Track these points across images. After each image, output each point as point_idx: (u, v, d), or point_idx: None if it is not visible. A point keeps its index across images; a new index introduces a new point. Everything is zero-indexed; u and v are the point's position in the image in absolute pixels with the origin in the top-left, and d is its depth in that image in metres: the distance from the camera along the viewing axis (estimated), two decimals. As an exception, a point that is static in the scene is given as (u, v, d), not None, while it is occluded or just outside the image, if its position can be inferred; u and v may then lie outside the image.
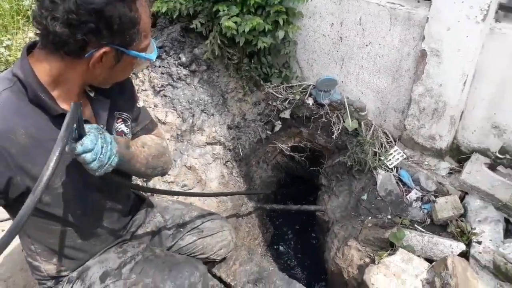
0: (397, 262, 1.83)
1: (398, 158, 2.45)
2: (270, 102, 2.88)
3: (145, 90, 2.74)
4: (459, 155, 2.41)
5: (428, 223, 2.12)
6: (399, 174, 2.40)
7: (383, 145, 2.55)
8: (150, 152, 1.37)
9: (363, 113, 2.62)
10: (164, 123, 2.61)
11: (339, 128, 2.67)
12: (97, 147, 1.01)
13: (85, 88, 1.26)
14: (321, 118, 2.76)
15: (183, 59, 2.74)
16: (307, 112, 2.83)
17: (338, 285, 2.23)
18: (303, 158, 3.00)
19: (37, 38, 1.08)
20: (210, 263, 2.07)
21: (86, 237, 1.49)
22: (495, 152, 2.12)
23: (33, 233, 1.42)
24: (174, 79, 2.71)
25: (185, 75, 2.72)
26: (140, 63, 1.20)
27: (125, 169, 1.24)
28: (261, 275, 2.03)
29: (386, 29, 2.37)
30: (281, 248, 3.02)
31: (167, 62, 2.76)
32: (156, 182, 2.44)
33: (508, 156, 2.05)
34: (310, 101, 2.87)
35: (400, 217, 2.15)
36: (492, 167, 2.16)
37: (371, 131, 2.60)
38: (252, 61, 2.90)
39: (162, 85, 2.70)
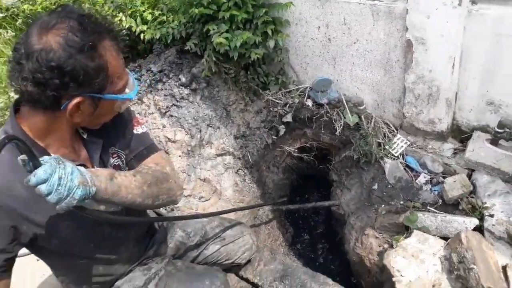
0: (413, 243, 1.91)
1: (402, 146, 2.53)
2: (271, 109, 2.98)
3: (152, 113, 2.86)
4: (460, 135, 2.49)
5: (440, 203, 2.20)
6: (405, 161, 2.48)
7: (386, 135, 2.64)
8: (144, 180, 1.24)
9: (361, 107, 2.72)
10: (174, 142, 2.71)
11: (341, 125, 2.76)
12: (53, 178, 0.92)
13: (77, 130, 1.29)
14: (322, 117, 2.86)
15: (183, 79, 2.85)
16: (308, 113, 2.92)
17: (361, 274, 2.31)
18: (311, 158, 3.09)
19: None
20: (236, 267, 2.16)
21: (106, 264, 1.54)
22: (494, 128, 2.20)
23: (57, 269, 1.50)
24: (177, 99, 2.83)
25: (187, 94, 2.83)
26: (121, 103, 1.23)
27: (115, 202, 1.13)
28: (286, 272, 2.11)
29: (370, 25, 2.47)
30: (302, 246, 3.09)
31: (169, 85, 2.88)
32: (174, 199, 2.53)
33: (507, 130, 2.13)
34: (309, 103, 2.97)
35: (412, 201, 2.23)
36: (494, 142, 2.24)
37: (372, 123, 2.69)
38: (249, 72, 3.01)
39: (167, 106, 2.81)
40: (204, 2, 2.57)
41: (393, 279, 1.81)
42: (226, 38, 2.57)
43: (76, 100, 1.05)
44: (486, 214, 1.95)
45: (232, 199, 2.56)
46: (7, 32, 3.82)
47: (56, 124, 1.13)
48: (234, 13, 2.57)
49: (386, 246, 2.10)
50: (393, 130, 2.69)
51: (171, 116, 2.77)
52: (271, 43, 2.76)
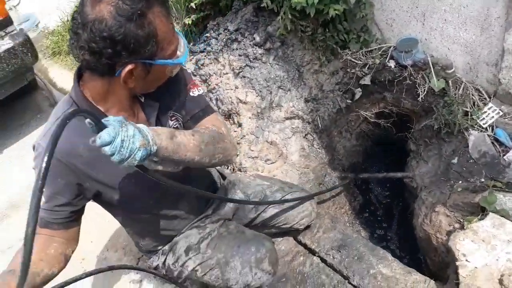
0: (486, 227, 1.71)
1: (493, 116, 2.22)
2: (348, 70, 2.81)
3: (226, 73, 2.90)
4: None
5: (529, 185, 1.92)
6: (494, 134, 2.18)
7: (476, 103, 2.33)
8: (202, 139, 1.29)
9: (450, 71, 2.42)
10: (245, 103, 2.74)
11: (425, 89, 2.50)
12: (116, 140, 0.96)
13: (136, 95, 1.37)
14: (405, 81, 2.61)
15: (257, 39, 2.81)
16: (389, 75, 2.70)
17: (427, 252, 2.16)
18: (389, 124, 2.88)
19: None
20: (294, 231, 2.18)
21: (167, 220, 1.67)
22: None
23: (121, 221, 1.66)
24: (251, 59, 2.81)
25: (260, 54, 2.79)
26: (172, 68, 1.27)
27: (175, 160, 1.19)
28: (345, 242, 2.07)
29: (469, -26, 2.14)
30: (369, 216, 2.98)
31: (243, 44, 2.86)
32: (242, 157, 2.60)
33: None
34: (391, 64, 2.72)
35: (495, 180, 1.98)
36: None
37: (460, 90, 2.38)
38: (327, 29, 2.84)
39: (240, 67, 2.82)
40: (282, -45, 2.45)
41: (457, 263, 1.66)
42: (304, -5, 2.44)
43: (128, 67, 1.11)
44: None
45: (297, 163, 2.53)
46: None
47: (113, 89, 1.22)
48: (314, -35, 2.41)
49: (457, 226, 1.92)
50: (485, 98, 2.35)
51: (244, 77, 2.77)
52: (352, -2, 2.55)
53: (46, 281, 1.26)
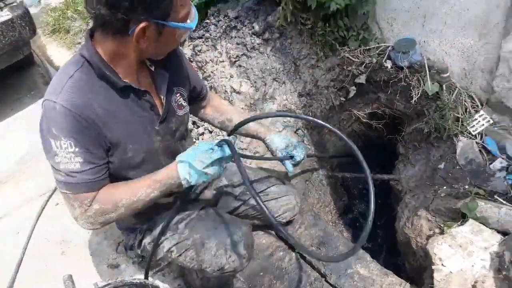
0: (465, 233, 1.71)
1: (483, 124, 2.21)
2: (345, 67, 2.79)
3: (222, 61, 2.87)
4: (559, 119, 2.09)
5: (511, 194, 1.92)
6: (483, 142, 2.17)
7: (467, 109, 2.32)
8: None
9: (445, 75, 2.40)
10: (238, 93, 2.72)
11: (418, 92, 2.49)
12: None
13: (145, 63, 1.41)
14: (400, 82, 2.60)
15: (257, 28, 2.78)
16: (384, 76, 2.68)
17: (407, 255, 2.17)
18: (381, 126, 2.87)
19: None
20: (276, 225, 2.16)
21: None
22: None
23: None
24: (248, 48, 2.79)
25: (258, 44, 2.77)
26: (182, 32, 1.28)
27: None
28: (325, 240, 2.07)
29: (472, -22, 2.11)
30: (353, 216, 2.98)
31: (242, 32, 2.84)
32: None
33: None
34: (388, 64, 2.71)
35: (479, 187, 1.98)
36: None
37: (454, 95, 2.37)
38: (328, 24, 2.81)
39: (237, 56, 2.80)
40: None
41: (433, 267, 1.67)
42: (306, -13, 2.41)
43: (142, 25, 1.12)
44: None
45: (286, 158, 2.52)
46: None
47: (124, 50, 1.23)
48: (318, -44, 2.38)
49: (437, 231, 1.92)
50: (477, 106, 2.34)
51: (240, 66, 2.75)
52: (355, -8, 2.52)
53: None
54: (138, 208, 1.35)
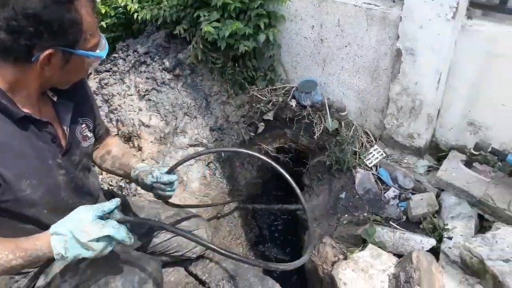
0: (366, 257, 1.83)
1: (377, 157, 2.45)
2: (254, 105, 2.92)
3: (131, 94, 2.81)
4: (438, 152, 2.40)
5: (404, 220, 2.12)
6: (378, 173, 2.40)
7: (364, 144, 2.56)
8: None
9: (343, 113, 2.64)
10: (147, 126, 2.66)
11: (320, 129, 2.69)
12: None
13: (46, 93, 1.31)
14: (304, 119, 2.79)
15: (167, 64, 2.80)
16: (290, 113, 2.85)
17: (314, 283, 2.23)
18: (287, 159, 3.01)
19: None
20: (187, 261, 2.09)
21: None
22: (471, 149, 2.11)
23: (3, 231, 1.46)
24: (159, 83, 2.77)
25: (169, 79, 2.78)
26: (91, 61, 1.23)
27: None
28: (236, 272, 2.04)
29: (363, 30, 2.40)
30: (264, 247, 3.02)
31: (152, 67, 2.82)
32: (140, 184, 2.48)
33: (482, 153, 2.05)
34: (293, 103, 2.90)
35: (376, 214, 2.15)
36: (468, 164, 2.15)
37: (351, 131, 2.61)
38: (237, 64, 2.94)
39: (146, 90, 2.76)
40: (197, -14, 2.52)
41: (338, 291, 1.74)
42: (216, 28, 2.51)
43: (48, 51, 1.04)
44: (445, 236, 1.86)
45: (197, 192, 2.50)
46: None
47: (25, 78, 1.12)
48: (227, 1, 2.51)
49: (341, 257, 2.02)
50: (372, 141, 2.61)
51: (149, 100, 2.72)
52: (262, 37, 2.69)
53: None
54: None
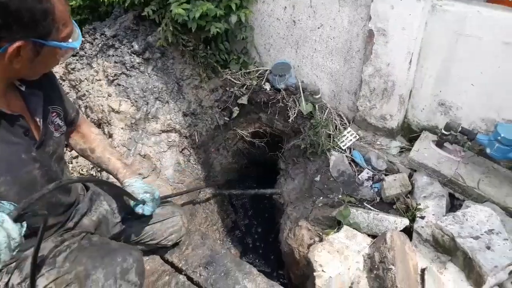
0: (341, 239, 1.85)
1: (351, 139, 2.46)
2: (227, 89, 2.86)
3: (99, 79, 2.71)
4: (410, 133, 2.44)
5: (377, 201, 2.15)
6: (351, 155, 2.41)
7: (337, 127, 2.57)
8: None
9: (317, 96, 2.63)
10: (117, 112, 2.57)
11: (295, 112, 2.67)
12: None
13: (14, 83, 1.24)
14: (278, 103, 2.76)
15: (136, 47, 2.70)
16: (264, 97, 2.82)
17: (290, 266, 2.25)
18: (263, 144, 3.00)
19: None
20: (162, 249, 2.07)
21: (29, 231, 1.46)
22: (442, 129, 2.14)
23: None
24: (128, 67, 2.68)
25: (138, 63, 2.69)
26: (64, 52, 1.17)
27: None
28: (213, 259, 2.03)
29: (335, 11, 2.37)
30: (241, 233, 3.03)
31: (121, 51, 2.72)
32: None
33: (453, 132, 2.08)
34: (267, 87, 2.86)
35: (351, 196, 2.17)
36: (439, 144, 2.19)
37: (325, 114, 2.61)
38: (209, 47, 2.87)
39: (115, 74, 2.66)
40: (167, -34, 2.41)
41: (314, 273, 1.75)
42: (186, 9, 2.42)
43: (17, 44, 0.99)
44: (418, 215, 1.90)
45: (171, 179, 2.45)
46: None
47: None
48: (197, -18, 2.42)
49: (317, 239, 2.03)
50: (345, 123, 2.61)
51: (119, 85, 2.62)
52: (234, 18, 2.62)
53: None
54: None
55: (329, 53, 2.56)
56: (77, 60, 2.82)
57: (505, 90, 1.97)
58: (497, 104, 2.04)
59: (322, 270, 1.74)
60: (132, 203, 1.66)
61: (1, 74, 1.10)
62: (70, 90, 2.76)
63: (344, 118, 2.64)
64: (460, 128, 2.03)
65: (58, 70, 2.86)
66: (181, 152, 2.61)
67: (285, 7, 2.63)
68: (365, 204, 2.12)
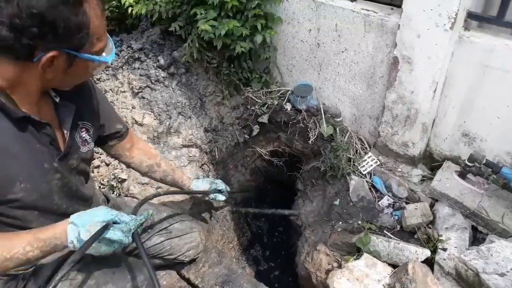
0: (361, 266, 1.83)
1: (371, 165, 2.46)
2: (249, 107, 2.89)
3: (124, 91, 2.75)
4: (432, 162, 2.42)
5: (398, 229, 2.13)
6: (372, 181, 2.41)
7: (358, 151, 2.57)
8: None
9: (338, 119, 2.64)
10: (141, 125, 2.61)
11: (315, 134, 2.68)
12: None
13: (49, 93, 1.26)
14: (299, 124, 2.77)
15: (162, 61, 2.75)
16: (285, 117, 2.84)
17: (307, 290, 2.23)
18: (281, 163, 3.00)
19: None
20: (179, 264, 2.07)
21: None
22: (465, 160, 2.13)
23: None
24: (153, 81, 2.72)
25: (163, 77, 2.73)
26: (96, 65, 1.19)
27: None
28: (229, 278, 2.03)
29: (360, 36, 2.39)
30: (256, 252, 3.01)
31: (146, 64, 2.77)
32: (131, 183, 2.43)
33: (477, 164, 2.07)
34: (288, 107, 2.88)
35: (371, 223, 2.16)
36: (462, 174, 2.18)
37: (346, 137, 2.61)
38: (233, 65, 2.91)
39: (140, 87, 2.70)
40: (196, -17, 2.47)
41: (333, 300, 1.73)
42: (212, 26, 2.47)
43: (51, 54, 1.01)
44: (440, 247, 1.88)
45: (191, 194, 2.46)
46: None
47: (25, 77, 1.08)
48: (225, 0, 2.47)
49: (335, 265, 2.02)
50: (366, 148, 2.61)
51: (143, 98, 2.66)
52: (259, 38, 2.66)
53: None
54: (9, 267, 1.14)
55: (352, 77, 2.58)
56: (103, 70, 2.87)
57: (532, 125, 1.96)
58: (523, 139, 2.03)
59: (341, 298, 1.73)
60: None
61: (35, 83, 1.12)
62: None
63: (365, 143, 2.64)
64: (484, 160, 2.02)
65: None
66: (200, 167, 2.63)
67: (310, 29, 2.66)
68: (385, 231, 2.10)
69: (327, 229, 2.22)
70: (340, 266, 1.95)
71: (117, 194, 2.40)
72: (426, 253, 1.86)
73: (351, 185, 2.38)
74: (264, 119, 2.86)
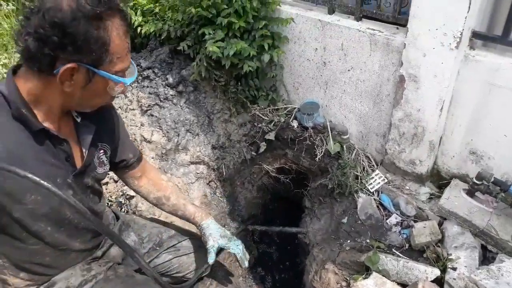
0: (370, 286, 1.82)
1: (379, 182, 2.46)
2: (256, 124, 2.92)
3: (133, 109, 2.79)
4: (439, 180, 2.42)
5: (406, 248, 2.11)
6: (379, 198, 2.40)
7: (365, 168, 2.57)
8: None
9: (345, 137, 2.65)
10: (149, 142, 2.63)
11: (322, 151, 2.69)
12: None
13: (71, 113, 1.29)
14: (305, 141, 2.79)
15: (170, 80, 2.79)
16: (292, 134, 2.86)
17: (315, 309, 2.21)
18: (288, 180, 3.01)
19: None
20: (187, 282, 2.06)
21: (55, 255, 1.48)
22: (473, 178, 2.13)
23: (2, 248, 1.42)
24: (161, 99, 2.76)
25: (172, 95, 2.77)
26: (114, 86, 1.19)
27: None
28: (237, 297, 2.01)
29: (366, 55, 2.43)
30: (263, 270, 2.99)
31: (155, 83, 2.81)
32: (139, 200, 2.45)
33: (485, 182, 2.06)
34: (295, 124, 2.91)
35: (379, 241, 2.15)
36: (470, 193, 2.17)
37: (353, 155, 2.62)
38: (240, 83, 2.95)
39: (149, 105, 2.74)
40: (204, 4, 2.51)
41: (343, 320, 1.72)
42: (220, 47, 2.51)
43: (70, 65, 1.04)
44: (449, 266, 1.86)
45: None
46: (7, 5, 3.75)
47: (47, 92, 1.12)
48: (232, 21, 2.52)
49: (344, 284, 2.01)
50: (373, 165, 2.62)
51: (152, 115, 2.70)
52: (266, 58, 2.70)
53: None
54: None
55: (359, 95, 2.60)
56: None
57: (540, 143, 1.97)
58: (531, 157, 2.03)
59: (351, 318, 1.71)
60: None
61: (57, 98, 1.15)
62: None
63: (372, 160, 2.65)
64: (492, 179, 2.02)
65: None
66: (208, 184, 2.64)
67: (316, 48, 2.70)
68: (393, 250, 2.09)
69: (335, 248, 2.21)
70: (349, 285, 1.93)
71: (125, 211, 2.41)
72: (436, 272, 1.85)
73: (359, 203, 2.38)
74: (271, 136, 2.88)
